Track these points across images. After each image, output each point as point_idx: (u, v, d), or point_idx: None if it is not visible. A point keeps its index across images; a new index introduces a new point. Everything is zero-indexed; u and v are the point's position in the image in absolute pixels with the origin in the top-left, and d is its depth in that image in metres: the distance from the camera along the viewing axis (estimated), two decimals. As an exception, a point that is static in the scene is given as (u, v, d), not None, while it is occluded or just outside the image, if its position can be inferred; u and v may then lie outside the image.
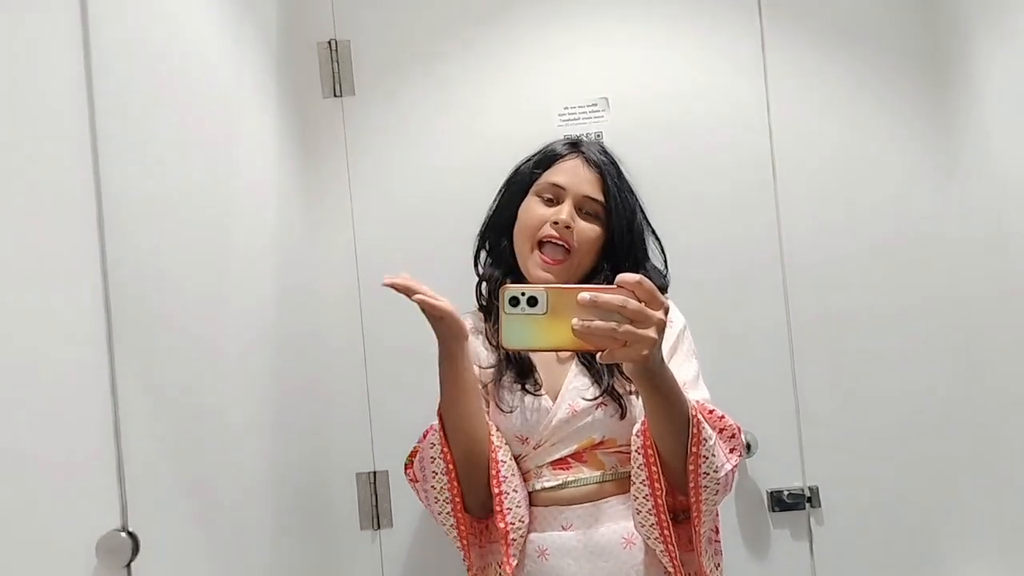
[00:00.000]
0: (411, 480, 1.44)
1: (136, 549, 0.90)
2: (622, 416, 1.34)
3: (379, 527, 1.75)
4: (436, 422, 1.34)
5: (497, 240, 1.50)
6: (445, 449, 1.33)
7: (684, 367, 1.37)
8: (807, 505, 1.71)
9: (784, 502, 1.71)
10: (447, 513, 1.36)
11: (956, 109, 1.71)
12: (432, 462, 1.35)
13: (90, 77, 0.95)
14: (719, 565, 1.35)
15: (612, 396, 1.35)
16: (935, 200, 1.75)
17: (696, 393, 1.34)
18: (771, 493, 1.72)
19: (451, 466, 1.33)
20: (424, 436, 1.40)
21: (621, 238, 1.41)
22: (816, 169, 1.75)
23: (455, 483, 1.34)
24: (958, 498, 1.72)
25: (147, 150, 1.09)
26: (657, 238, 1.48)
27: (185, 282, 1.15)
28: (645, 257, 1.46)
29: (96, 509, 0.91)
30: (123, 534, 0.90)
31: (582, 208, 1.41)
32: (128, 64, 1.05)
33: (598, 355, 1.02)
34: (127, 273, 0.99)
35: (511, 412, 1.37)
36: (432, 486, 1.36)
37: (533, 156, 1.48)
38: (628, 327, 0.99)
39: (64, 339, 0.90)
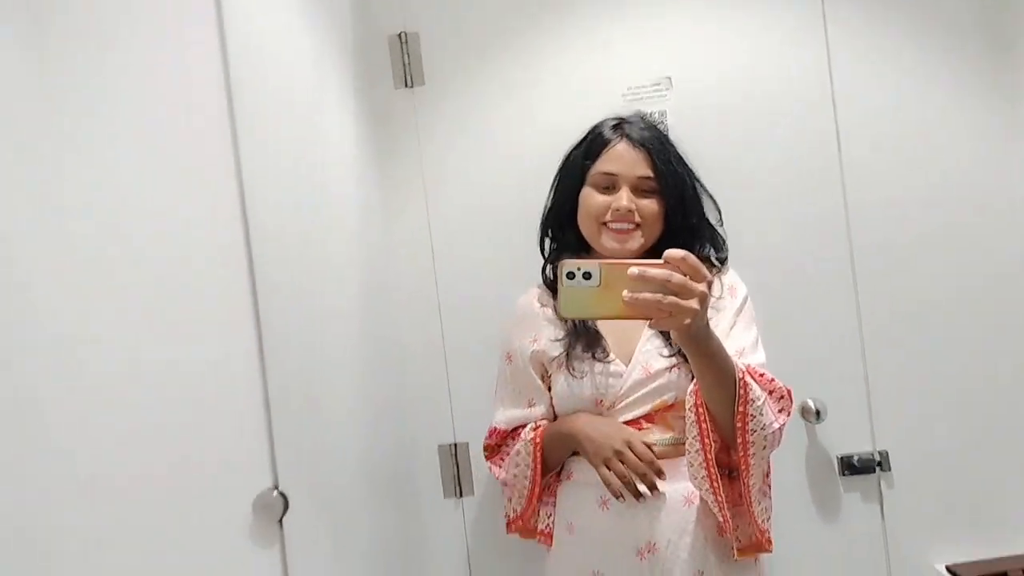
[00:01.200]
0: (490, 464, 1.60)
1: (286, 506, 1.00)
2: (695, 378, 1.41)
3: (461, 495, 1.84)
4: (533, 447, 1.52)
5: (560, 229, 1.59)
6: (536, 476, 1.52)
7: (744, 334, 1.44)
8: (877, 469, 1.75)
9: (854, 466, 1.75)
10: (519, 499, 1.56)
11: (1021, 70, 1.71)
12: (519, 460, 1.53)
13: (229, 88, 1.05)
14: (769, 510, 1.43)
15: (686, 358, 1.41)
16: (1004, 166, 1.75)
17: (754, 358, 1.42)
18: (841, 458, 1.76)
19: (536, 490, 1.53)
20: (504, 436, 1.58)
21: (675, 208, 1.49)
22: (882, 139, 1.76)
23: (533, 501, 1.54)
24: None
25: (271, 149, 1.19)
26: (713, 201, 1.55)
27: (284, 275, 1.24)
28: (702, 221, 1.53)
29: (252, 471, 1.01)
30: (275, 493, 1.00)
31: (637, 188, 1.48)
32: (250, 69, 1.15)
33: (647, 324, 1.14)
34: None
35: (583, 378, 1.46)
36: (513, 487, 1.56)
37: (581, 142, 1.56)
38: (673, 299, 1.11)
39: (220, 335, 1.03)
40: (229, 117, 1.05)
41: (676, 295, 1.11)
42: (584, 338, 1.48)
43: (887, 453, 1.75)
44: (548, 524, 1.55)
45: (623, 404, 1.45)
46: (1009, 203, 1.75)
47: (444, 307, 1.85)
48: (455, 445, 1.84)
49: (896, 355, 1.76)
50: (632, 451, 1.39)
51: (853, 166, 1.77)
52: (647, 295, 1.10)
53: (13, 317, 0.87)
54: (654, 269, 1.10)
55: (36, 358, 0.90)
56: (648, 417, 1.44)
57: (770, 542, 1.44)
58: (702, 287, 1.13)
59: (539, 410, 1.54)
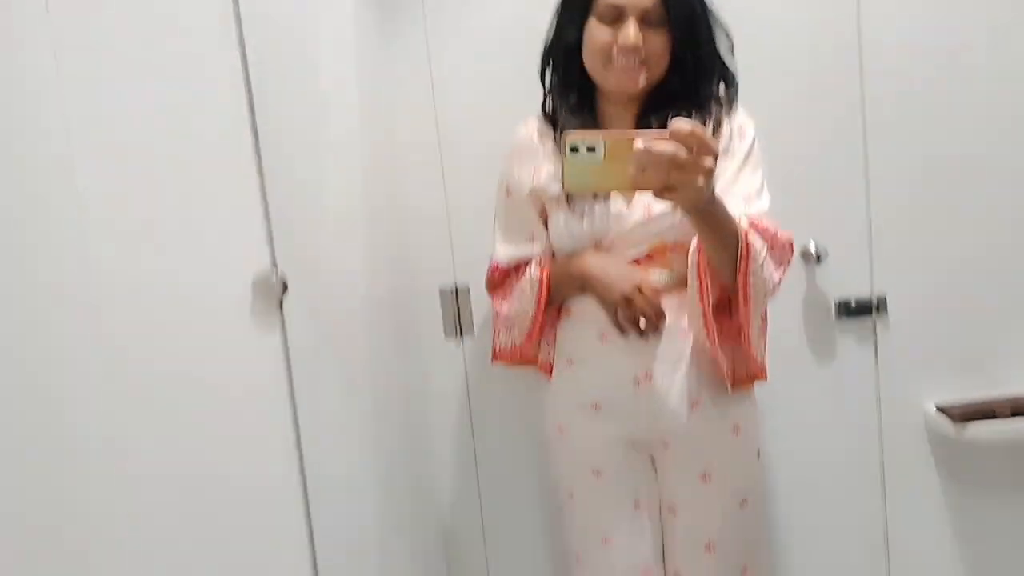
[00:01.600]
0: (493, 298, 1.62)
1: (285, 288, 1.01)
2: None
3: (461, 335, 1.87)
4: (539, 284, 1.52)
5: (564, 61, 1.51)
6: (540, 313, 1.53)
7: (750, 179, 1.42)
8: (874, 312, 1.76)
9: (851, 309, 1.76)
10: (519, 334, 1.58)
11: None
12: (524, 298, 1.54)
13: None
14: (764, 345, 1.48)
15: None
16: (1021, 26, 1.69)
17: (758, 203, 1.41)
18: (839, 302, 1.77)
19: (539, 323, 1.54)
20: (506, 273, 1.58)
21: (684, 41, 1.42)
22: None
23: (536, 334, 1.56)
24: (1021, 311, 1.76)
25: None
26: (726, 32, 1.47)
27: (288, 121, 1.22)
28: (713, 54, 1.47)
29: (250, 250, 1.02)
30: (275, 273, 1.02)
31: (644, 19, 1.40)
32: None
33: (652, 195, 1.11)
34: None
35: (583, 217, 1.45)
36: (514, 321, 1.58)
37: None
38: (679, 173, 1.08)
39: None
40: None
41: (683, 170, 1.09)
42: None
43: (885, 297, 1.76)
44: (549, 355, 1.59)
45: (623, 244, 1.45)
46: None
47: (445, 148, 1.82)
48: (456, 288, 1.86)
49: (900, 200, 1.74)
50: (641, 295, 1.41)
51: (871, 11, 1.71)
52: (653, 170, 1.08)
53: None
54: (660, 144, 1.07)
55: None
56: (648, 256, 1.45)
57: (764, 371, 1.48)
58: (709, 162, 1.10)
59: (539, 246, 1.54)
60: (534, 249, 1.55)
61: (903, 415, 1.79)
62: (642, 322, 1.41)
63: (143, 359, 0.88)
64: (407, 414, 1.76)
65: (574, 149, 1.08)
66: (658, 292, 1.43)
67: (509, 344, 1.61)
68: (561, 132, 1.48)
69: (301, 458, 1.07)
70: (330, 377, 1.27)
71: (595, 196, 1.45)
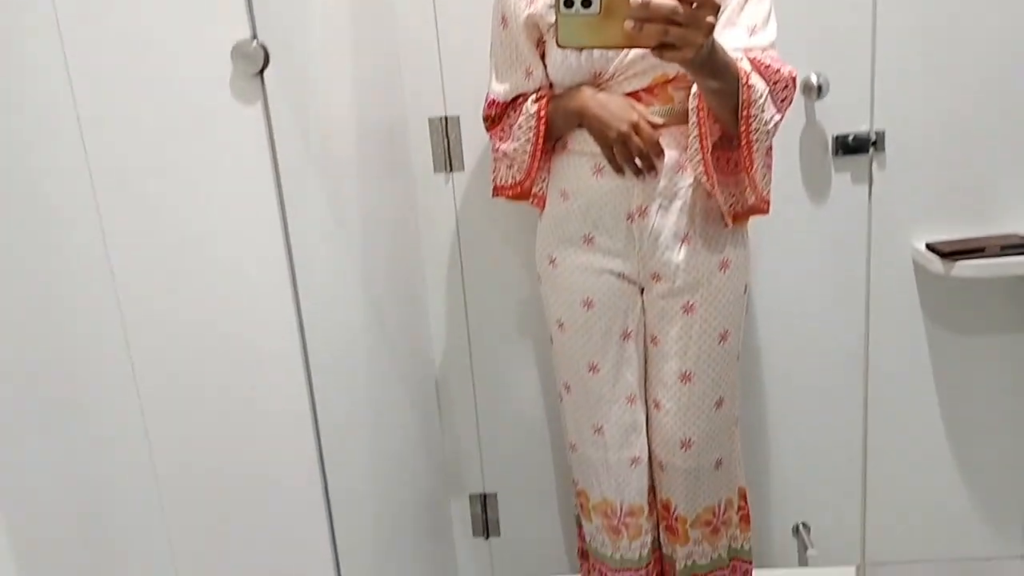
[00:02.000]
0: (491, 135, 1.59)
1: (267, 59, 0.98)
2: None
3: (451, 170, 1.83)
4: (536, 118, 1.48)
5: None
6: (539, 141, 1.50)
7: (756, 7, 1.37)
8: (871, 148, 1.74)
9: (848, 145, 1.74)
10: (518, 170, 1.56)
11: None
12: (521, 134, 1.51)
13: None
14: (769, 176, 1.46)
15: None
16: None
17: (764, 35, 1.37)
18: (836, 138, 1.74)
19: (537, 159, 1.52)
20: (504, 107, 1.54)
21: None
22: None
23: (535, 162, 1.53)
24: (1018, 155, 1.74)
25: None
26: None
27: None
28: None
29: (230, 19, 0.99)
30: (255, 43, 0.98)
31: None
32: None
33: (650, 52, 1.08)
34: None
35: (581, 48, 1.39)
36: (513, 158, 1.55)
37: None
38: (678, 30, 1.04)
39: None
40: None
41: (682, 26, 1.04)
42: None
43: (883, 133, 1.73)
44: (542, 188, 1.57)
45: (623, 77, 1.42)
46: None
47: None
48: (446, 118, 1.80)
49: (906, 37, 1.69)
50: (638, 134, 1.37)
51: None
52: (651, 26, 1.03)
53: None
54: None
55: None
56: (649, 89, 1.42)
57: (768, 203, 1.47)
58: (710, 17, 1.06)
59: (537, 80, 1.50)
60: (532, 83, 1.50)
61: (894, 252, 1.79)
62: (638, 162, 1.40)
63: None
64: (396, 247, 1.75)
65: (568, 3, 1.04)
66: (656, 129, 1.40)
67: (509, 179, 1.59)
68: None
69: (293, 275, 1.06)
70: (317, 195, 1.25)
71: None
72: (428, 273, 1.89)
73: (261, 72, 0.98)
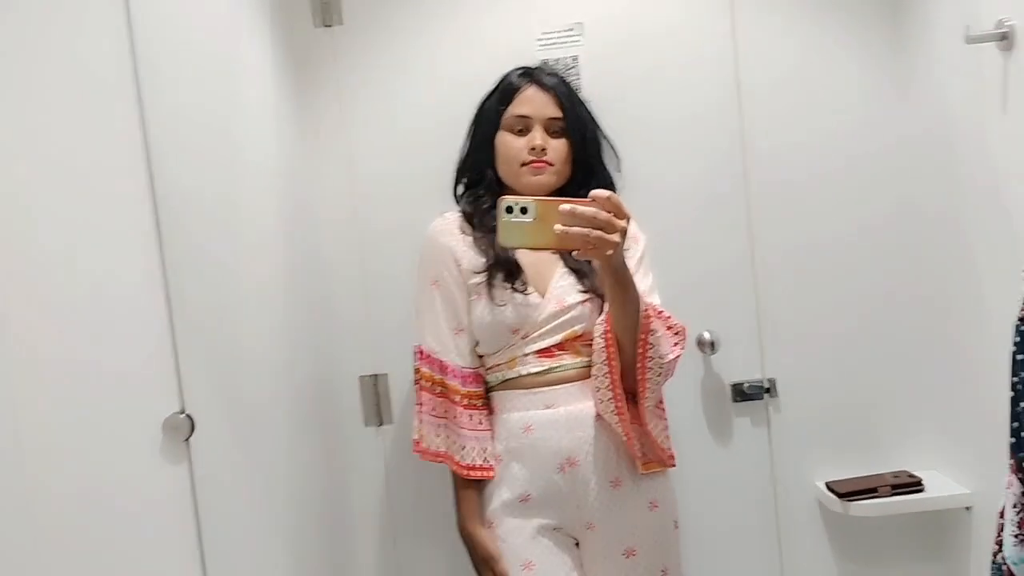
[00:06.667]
0: (420, 389, 1.67)
1: (192, 428, 1.08)
2: (602, 312, 1.54)
3: (381, 424, 1.93)
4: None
5: (479, 172, 1.68)
6: None
7: (643, 280, 1.58)
8: (765, 395, 1.90)
9: (744, 393, 1.90)
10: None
11: (909, 33, 1.83)
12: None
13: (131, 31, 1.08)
14: (665, 430, 1.60)
15: (597, 294, 1.57)
16: (891, 119, 1.87)
17: (651, 299, 1.56)
18: (733, 386, 1.90)
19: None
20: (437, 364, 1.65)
21: (580, 147, 1.63)
22: (778, 89, 1.88)
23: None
24: (901, 391, 1.91)
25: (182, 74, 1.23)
26: (612, 148, 1.71)
27: (203, 203, 1.29)
28: (600, 165, 1.68)
29: (160, 397, 1.09)
30: (182, 416, 1.08)
31: (549, 128, 1.62)
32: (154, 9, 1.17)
33: (574, 253, 1.30)
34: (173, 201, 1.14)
35: (504, 306, 1.57)
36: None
37: (493, 91, 1.68)
38: (599, 233, 1.27)
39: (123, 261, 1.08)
40: (131, 59, 1.07)
41: (601, 229, 1.27)
42: (504, 269, 1.59)
43: (775, 381, 1.90)
44: (485, 459, 1.62)
45: (538, 333, 1.58)
46: (897, 151, 1.88)
47: (365, 240, 1.90)
48: (376, 376, 1.92)
49: (786, 291, 1.90)
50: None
51: (752, 112, 1.88)
52: (576, 229, 1.26)
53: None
54: (583, 207, 1.26)
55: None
56: (560, 345, 1.58)
57: (672, 458, 1.59)
58: (623, 223, 1.29)
59: (464, 339, 1.62)
60: (460, 345, 1.62)
61: (797, 491, 1.92)
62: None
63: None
64: (325, 504, 1.80)
65: (509, 210, 1.26)
66: (569, 383, 1.58)
67: (433, 448, 1.66)
68: (476, 226, 1.63)
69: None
70: (242, 488, 1.32)
71: (513, 288, 1.57)
72: (358, 530, 1.93)
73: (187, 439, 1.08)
